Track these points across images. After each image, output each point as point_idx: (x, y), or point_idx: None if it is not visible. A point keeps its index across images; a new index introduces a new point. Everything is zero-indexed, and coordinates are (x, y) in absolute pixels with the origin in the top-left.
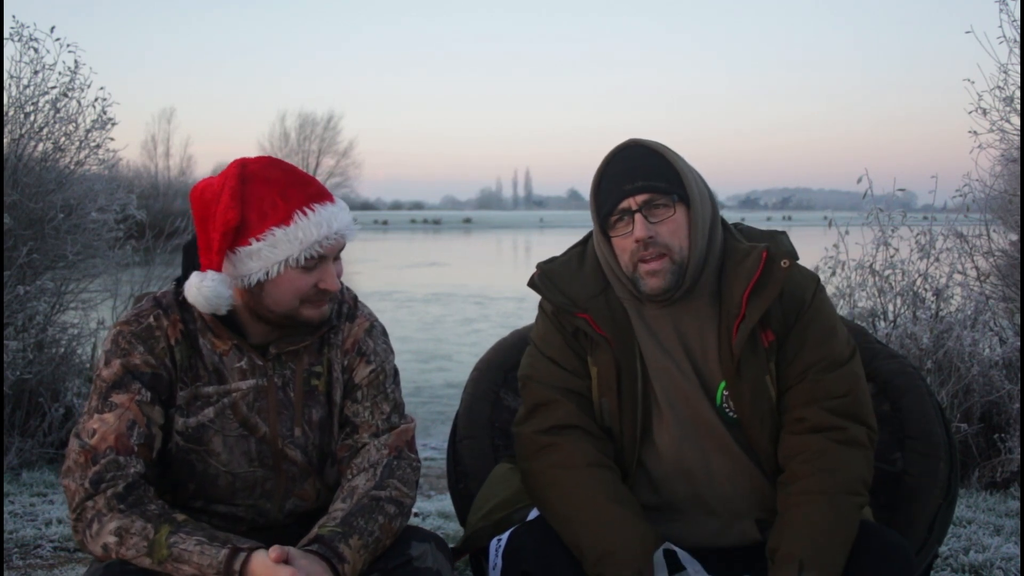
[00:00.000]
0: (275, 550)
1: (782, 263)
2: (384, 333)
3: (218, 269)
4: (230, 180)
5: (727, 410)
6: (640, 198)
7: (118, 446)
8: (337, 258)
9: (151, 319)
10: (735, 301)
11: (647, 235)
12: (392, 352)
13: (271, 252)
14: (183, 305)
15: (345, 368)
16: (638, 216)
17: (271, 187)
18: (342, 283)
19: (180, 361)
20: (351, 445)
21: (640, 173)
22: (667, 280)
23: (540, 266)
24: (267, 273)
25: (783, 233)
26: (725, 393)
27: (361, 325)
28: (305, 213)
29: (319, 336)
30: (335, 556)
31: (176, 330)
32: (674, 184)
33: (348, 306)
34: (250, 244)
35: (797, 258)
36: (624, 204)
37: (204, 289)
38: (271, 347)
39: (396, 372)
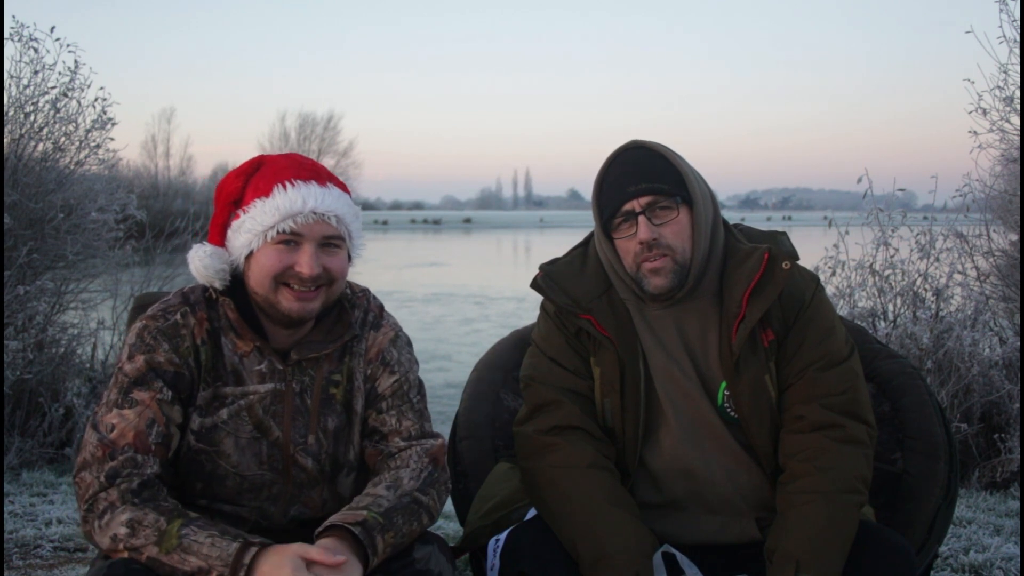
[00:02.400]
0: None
1: (783, 265)
2: (409, 344)
3: (215, 242)
4: (244, 164)
5: (728, 410)
6: (644, 200)
7: (136, 444)
8: (333, 247)
9: (178, 316)
10: (736, 301)
11: (651, 237)
12: (416, 363)
13: (252, 223)
14: (210, 302)
15: (367, 377)
16: (641, 218)
17: (273, 168)
18: (369, 291)
19: (205, 362)
20: (383, 450)
21: (643, 175)
22: (670, 279)
23: (543, 267)
24: (251, 247)
25: (783, 233)
26: (727, 393)
27: (386, 335)
28: (285, 187)
29: (342, 344)
30: (371, 546)
31: (202, 329)
32: (677, 186)
33: (374, 315)
34: (239, 217)
35: (798, 259)
36: (627, 206)
37: (194, 260)
38: (292, 352)
39: (421, 384)
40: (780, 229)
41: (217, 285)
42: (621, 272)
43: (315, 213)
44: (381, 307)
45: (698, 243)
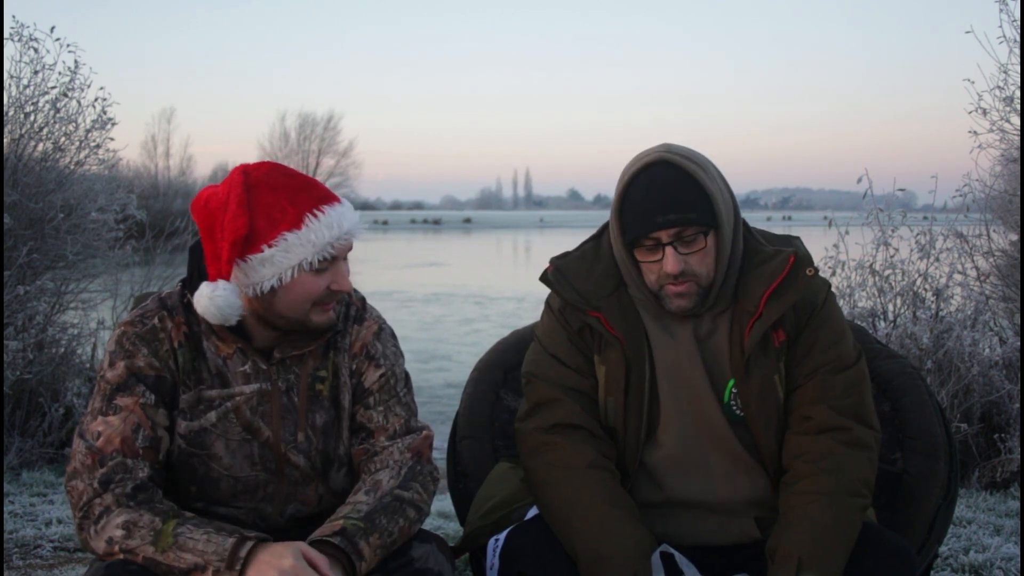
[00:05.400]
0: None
1: (807, 271)
2: (393, 336)
3: (227, 279)
4: (235, 188)
5: (734, 408)
6: (672, 231)
7: (124, 449)
8: (344, 258)
9: (155, 320)
10: (753, 300)
11: (679, 270)
12: (402, 355)
13: (284, 257)
14: (188, 307)
15: (353, 372)
16: (669, 250)
17: (278, 193)
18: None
19: (183, 364)
20: (368, 449)
21: (673, 204)
22: (693, 301)
23: (553, 261)
24: (280, 279)
25: (798, 238)
26: (734, 391)
27: (370, 328)
28: (316, 216)
29: (325, 340)
30: (355, 552)
31: (180, 332)
32: (705, 213)
33: (356, 308)
34: (262, 251)
35: (816, 269)
36: (655, 235)
37: (216, 300)
38: (275, 351)
39: (407, 376)
40: (785, 232)
41: (232, 322)
42: (638, 281)
43: (348, 234)
44: (363, 300)
45: (721, 264)
